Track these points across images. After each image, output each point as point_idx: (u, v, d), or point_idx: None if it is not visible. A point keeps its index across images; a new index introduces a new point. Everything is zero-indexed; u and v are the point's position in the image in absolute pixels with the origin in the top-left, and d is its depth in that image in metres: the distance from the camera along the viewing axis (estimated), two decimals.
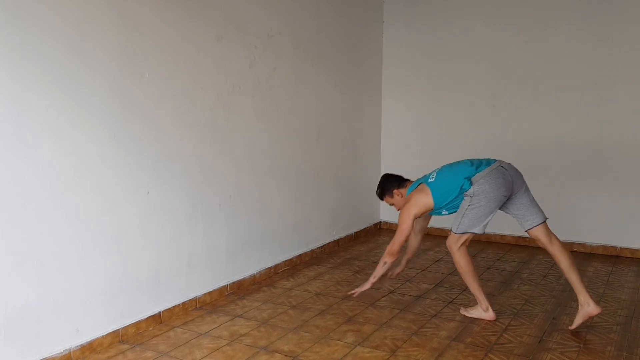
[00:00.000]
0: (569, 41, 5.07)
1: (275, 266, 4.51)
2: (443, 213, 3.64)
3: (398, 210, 3.72)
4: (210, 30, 3.76)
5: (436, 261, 4.84)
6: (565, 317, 3.56)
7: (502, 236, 5.49)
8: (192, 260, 3.73)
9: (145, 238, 3.38)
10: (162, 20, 3.40)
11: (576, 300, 3.38)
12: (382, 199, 3.87)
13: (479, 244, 5.41)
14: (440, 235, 5.73)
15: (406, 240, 3.64)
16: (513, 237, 5.44)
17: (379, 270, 3.71)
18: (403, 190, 3.75)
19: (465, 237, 3.44)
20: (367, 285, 3.78)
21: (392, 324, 3.48)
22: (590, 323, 3.45)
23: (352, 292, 3.90)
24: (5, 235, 2.64)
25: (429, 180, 3.57)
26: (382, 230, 5.98)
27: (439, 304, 3.80)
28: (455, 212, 3.55)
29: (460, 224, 3.42)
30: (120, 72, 3.16)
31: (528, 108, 5.29)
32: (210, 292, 3.86)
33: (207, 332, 3.36)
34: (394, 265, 3.85)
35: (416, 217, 3.58)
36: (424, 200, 3.53)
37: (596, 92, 5.00)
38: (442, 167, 3.64)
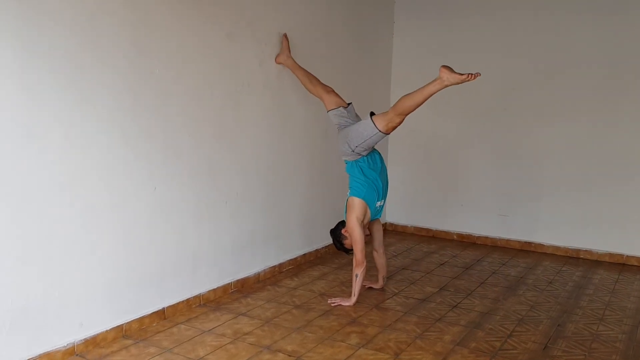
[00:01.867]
0: (581, 47, 5.04)
1: (280, 265, 4.51)
2: (378, 205, 3.87)
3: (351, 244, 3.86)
4: (221, 28, 3.76)
5: (441, 264, 4.82)
6: (570, 324, 3.54)
7: (508, 241, 5.46)
8: (197, 257, 3.73)
9: (151, 234, 3.38)
10: (173, 17, 3.40)
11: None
12: (346, 248, 3.95)
13: (484, 248, 5.39)
14: (445, 239, 5.72)
15: (365, 246, 3.79)
16: (519, 242, 5.41)
17: (357, 286, 3.80)
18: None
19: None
20: (349, 302, 3.78)
21: (396, 326, 3.47)
22: (596, 331, 3.43)
23: (332, 301, 3.83)
24: (13, 228, 2.65)
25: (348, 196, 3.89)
26: (387, 232, 5.95)
27: (444, 308, 3.79)
28: (384, 199, 3.92)
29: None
30: (131, 68, 3.15)
31: (539, 114, 5.25)
32: (214, 290, 3.85)
33: (211, 329, 3.35)
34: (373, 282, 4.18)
35: (360, 220, 3.77)
36: (355, 203, 3.79)
37: (608, 100, 4.96)
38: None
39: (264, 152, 4.26)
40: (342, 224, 3.96)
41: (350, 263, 4.74)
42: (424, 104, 3.61)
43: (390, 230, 6.02)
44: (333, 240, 4.03)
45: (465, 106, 5.61)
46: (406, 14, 5.90)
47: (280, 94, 4.35)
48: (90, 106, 2.95)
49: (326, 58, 4.88)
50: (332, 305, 3.78)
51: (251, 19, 4.00)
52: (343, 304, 3.78)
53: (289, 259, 4.62)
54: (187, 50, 3.52)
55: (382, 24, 5.83)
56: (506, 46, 5.37)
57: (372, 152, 3.91)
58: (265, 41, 4.15)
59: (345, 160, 3.93)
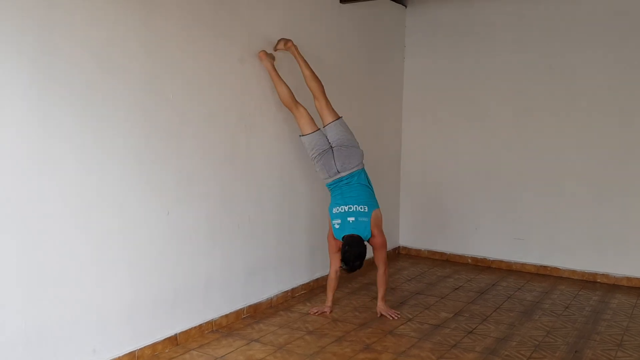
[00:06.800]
0: (593, 68, 5.02)
1: (293, 290, 4.48)
2: (336, 211, 4.03)
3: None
4: (234, 52, 3.80)
5: (456, 289, 4.77)
6: (588, 350, 3.47)
7: (523, 265, 5.39)
8: (210, 282, 3.72)
9: (164, 258, 3.38)
10: (188, 43, 3.45)
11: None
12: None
13: (499, 272, 5.32)
14: (460, 263, 5.66)
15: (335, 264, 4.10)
16: (534, 266, 5.34)
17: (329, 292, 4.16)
18: None
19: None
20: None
21: (411, 353, 3.42)
22: (614, 358, 3.36)
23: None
24: (25, 253, 2.66)
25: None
26: (400, 256, 5.91)
27: (459, 334, 3.73)
28: (356, 204, 4.04)
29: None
30: (146, 93, 3.19)
31: (552, 134, 5.22)
32: (227, 315, 3.83)
33: (223, 356, 3.33)
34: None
35: (330, 233, 4.11)
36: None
37: (621, 118, 4.92)
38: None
39: (276, 175, 4.27)
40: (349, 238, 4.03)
41: (364, 288, 4.73)
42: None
43: (404, 254, 5.98)
44: (357, 256, 3.92)
45: (478, 128, 5.60)
46: (417, 37, 5.92)
47: (292, 118, 4.37)
48: (104, 131, 2.98)
49: (337, 83, 4.90)
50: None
51: (263, 44, 4.05)
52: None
53: (301, 283, 4.59)
54: (201, 75, 3.56)
55: (393, 48, 5.86)
56: (518, 70, 5.37)
57: (350, 175, 4.10)
58: (277, 65, 4.18)
59: None
